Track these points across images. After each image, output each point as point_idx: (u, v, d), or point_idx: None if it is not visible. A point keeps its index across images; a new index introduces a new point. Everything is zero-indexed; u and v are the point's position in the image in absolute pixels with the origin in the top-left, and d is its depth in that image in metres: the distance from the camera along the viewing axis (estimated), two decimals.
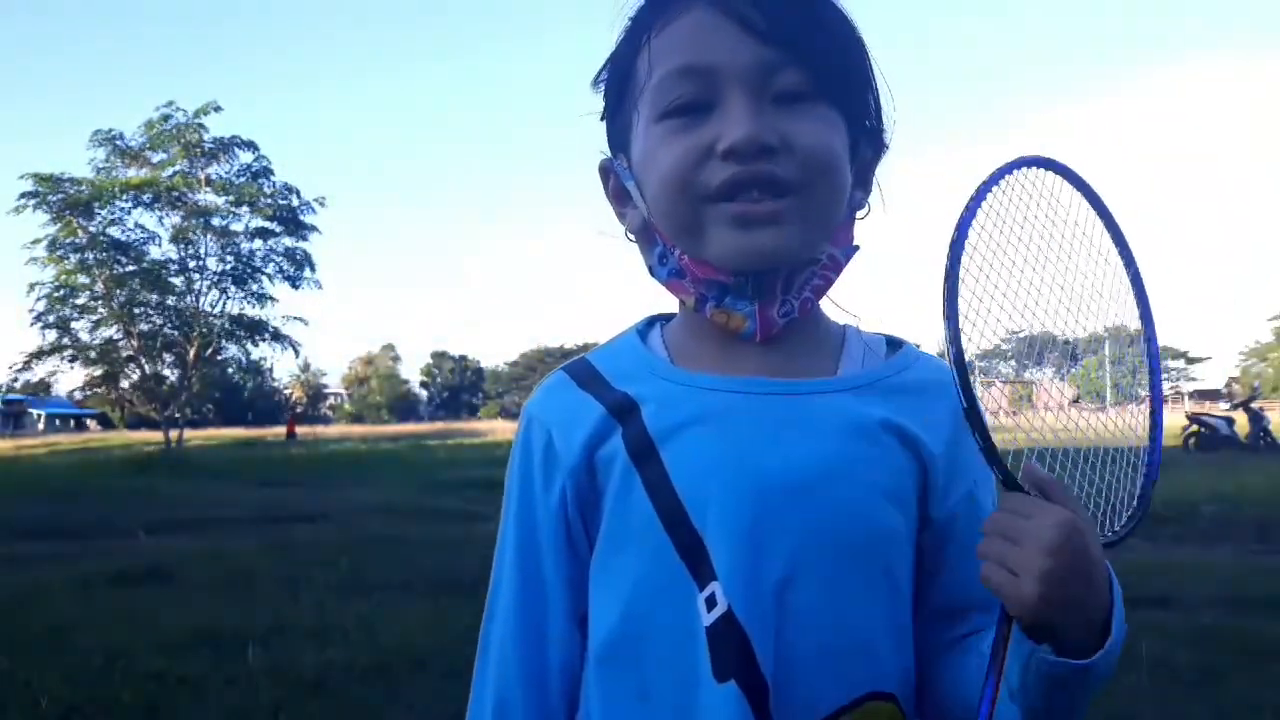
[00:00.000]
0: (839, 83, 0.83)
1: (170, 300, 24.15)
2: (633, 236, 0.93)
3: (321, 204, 25.46)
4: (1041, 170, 0.76)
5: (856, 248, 0.87)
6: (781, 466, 0.80)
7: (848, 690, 0.79)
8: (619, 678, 0.83)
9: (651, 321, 0.97)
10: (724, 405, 0.84)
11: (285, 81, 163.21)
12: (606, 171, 0.94)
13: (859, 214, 0.88)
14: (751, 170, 0.79)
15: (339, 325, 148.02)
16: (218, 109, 23.79)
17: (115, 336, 24.07)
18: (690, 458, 0.82)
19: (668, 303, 0.93)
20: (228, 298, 24.70)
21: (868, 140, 0.88)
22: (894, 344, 0.90)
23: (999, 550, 0.71)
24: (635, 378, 0.88)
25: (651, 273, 0.91)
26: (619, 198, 0.93)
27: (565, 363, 0.94)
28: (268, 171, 24.80)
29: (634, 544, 0.83)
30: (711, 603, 0.79)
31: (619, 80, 0.89)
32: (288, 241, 25.19)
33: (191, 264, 24.34)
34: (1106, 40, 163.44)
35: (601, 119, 0.94)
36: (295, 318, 25.98)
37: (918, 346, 0.91)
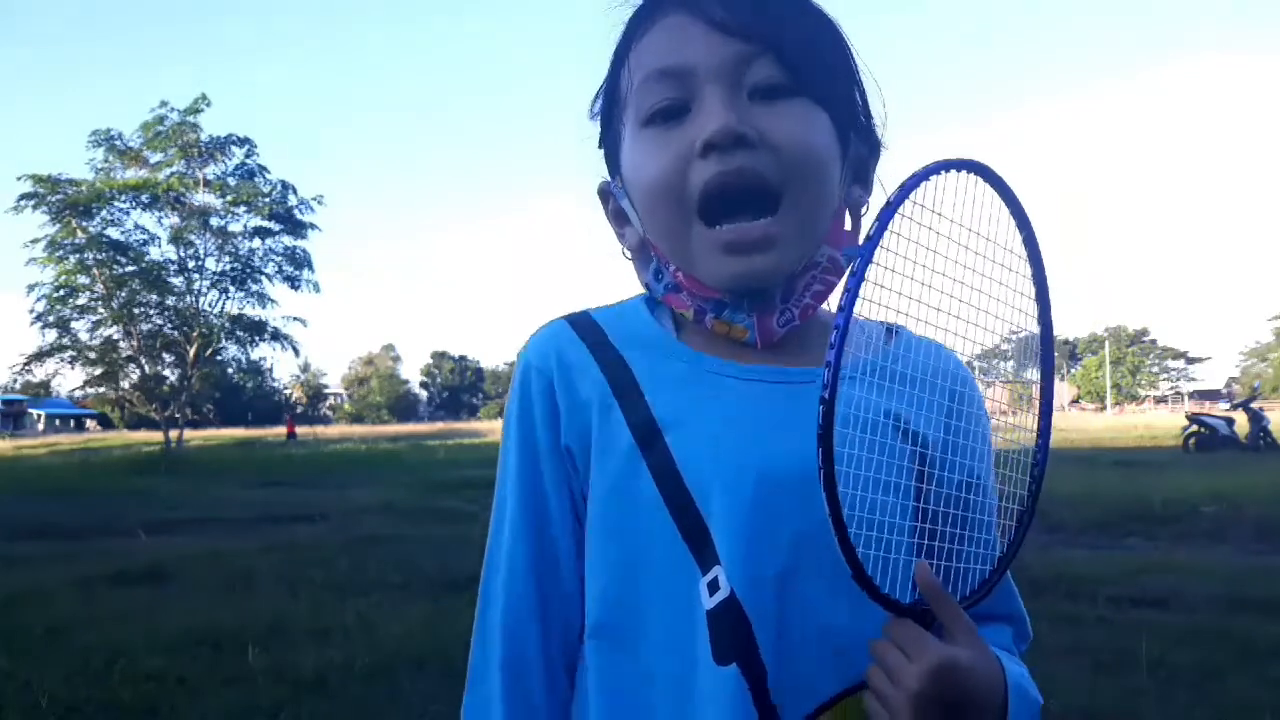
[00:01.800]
0: (816, 75, 0.82)
1: (170, 300, 24.15)
2: (629, 255, 0.93)
3: (320, 202, 25.49)
4: (964, 174, 0.75)
5: (859, 249, 0.87)
6: (784, 456, 0.80)
7: (845, 677, 0.79)
8: (616, 655, 0.83)
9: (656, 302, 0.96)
10: (729, 391, 0.84)
11: (285, 79, 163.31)
12: (605, 194, 0.94)
13: (861, 213, 0.88)
14: (734, 168, 0.79)
15: (339, 325, 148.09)
16: (208, 104, 23.74)
17: (115, 337, 24.09)
18: (696, 443, 0.82)
19: None
20: (227, 298, 24.75)
21: (860, 138, 0.88)
22: (891, 331, 0.90)
23: (878, 685, 0.73)
24: (641, 345, 0.87)
25: (648, 289, 0.91)
26: (618, 219, 0.93)
27: (566, 314, 0.93)
28: (263, 169, 24.82)
29: (636, 526, 0.83)
30: (714, 587, 0.79)
31: (609, 99, 0.91)
32: (287, 240, 25.22)
33: (191, 264, 24.37)
34: (1108, 36, 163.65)
35: (599, 146, 0.95)
36: (295, 318, 26.04)
37: (927, 339, 0.90)
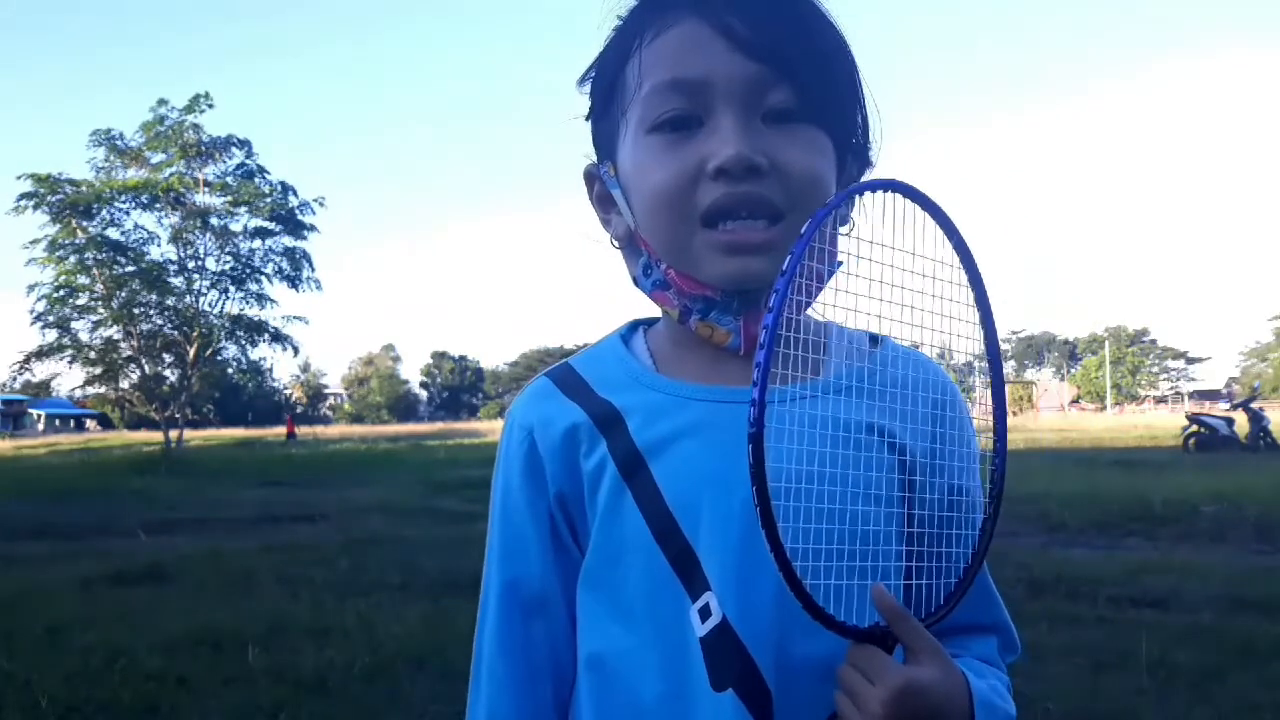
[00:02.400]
0: (828, 103, 0.83)
1: (170, 300, 24.16)
2: (617, 244, 0.92)
3: (321, 204, 25.50)
4: (891, 194, 0.75)
5: (840, 263, 0.86)
6: (770, 475, 0.79)
7: None
8: (611, 689, 0.83)
9: (634, 326, 0.96)
10: (710, 416, 0.84)
11: (285, 79, 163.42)
12: (591, 177, 0.93)
13: (843, 229, 0.87)
14: (741, 192, 0.80)
15: (339, 325, 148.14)
16: (210, 104, 23.72)
17: (115, 337, 24.09)
18: (680, 471, 0.82)
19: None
20: (227, 298, 24.75)
21: (854, 157, 0.89)
22: (874, 340, 0.89)
23: (844, 711, 0.73)
24: (620, 386, 0.88)
25: (636, 283, 0.91)
26: (603, 203, 0.92)
27: (547, 368, 0.94)
28: (262, 170, 24.82)
29: (625, 558, 0.83)
30: (705, 613, 0.79)
31: (607, 85, 0.89)
32: (287, 241, 25.22)
33: (191, 264, 24.37)
34: (1106, 35, 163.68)
35: (587, 119, 0.94)
36: (295, 318, 26.04)
37: (917, 347, 0.90)
